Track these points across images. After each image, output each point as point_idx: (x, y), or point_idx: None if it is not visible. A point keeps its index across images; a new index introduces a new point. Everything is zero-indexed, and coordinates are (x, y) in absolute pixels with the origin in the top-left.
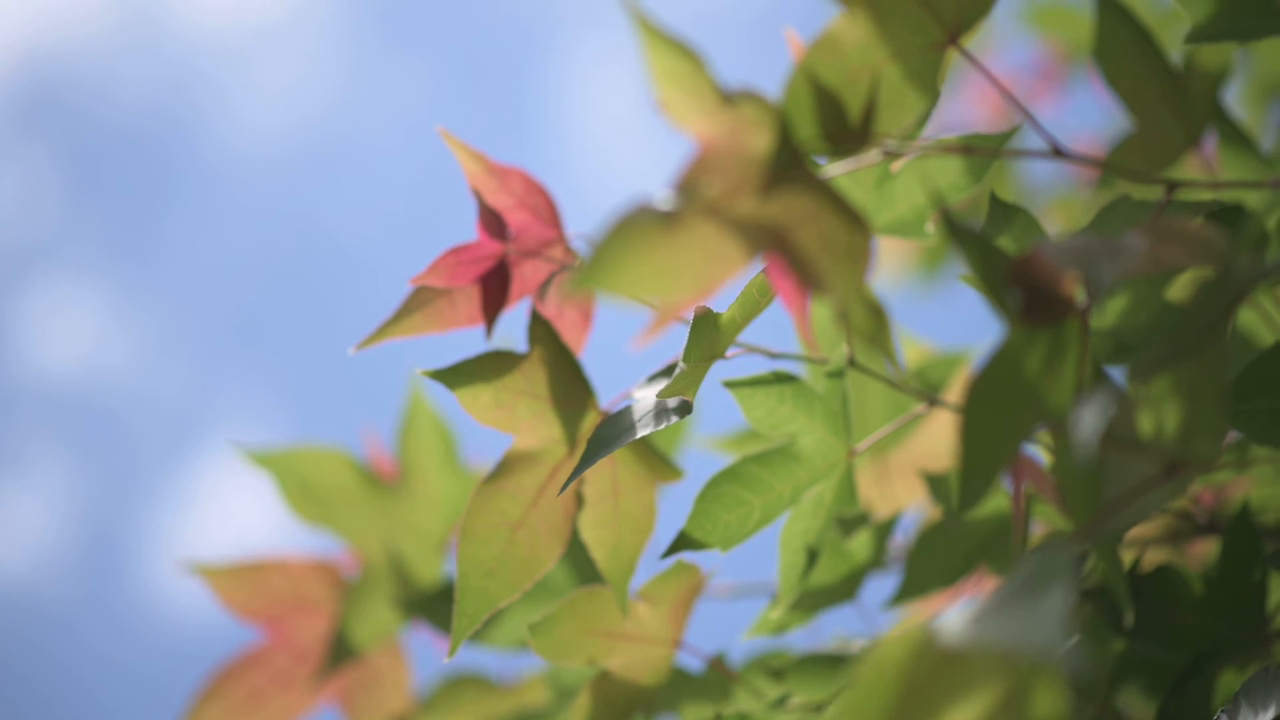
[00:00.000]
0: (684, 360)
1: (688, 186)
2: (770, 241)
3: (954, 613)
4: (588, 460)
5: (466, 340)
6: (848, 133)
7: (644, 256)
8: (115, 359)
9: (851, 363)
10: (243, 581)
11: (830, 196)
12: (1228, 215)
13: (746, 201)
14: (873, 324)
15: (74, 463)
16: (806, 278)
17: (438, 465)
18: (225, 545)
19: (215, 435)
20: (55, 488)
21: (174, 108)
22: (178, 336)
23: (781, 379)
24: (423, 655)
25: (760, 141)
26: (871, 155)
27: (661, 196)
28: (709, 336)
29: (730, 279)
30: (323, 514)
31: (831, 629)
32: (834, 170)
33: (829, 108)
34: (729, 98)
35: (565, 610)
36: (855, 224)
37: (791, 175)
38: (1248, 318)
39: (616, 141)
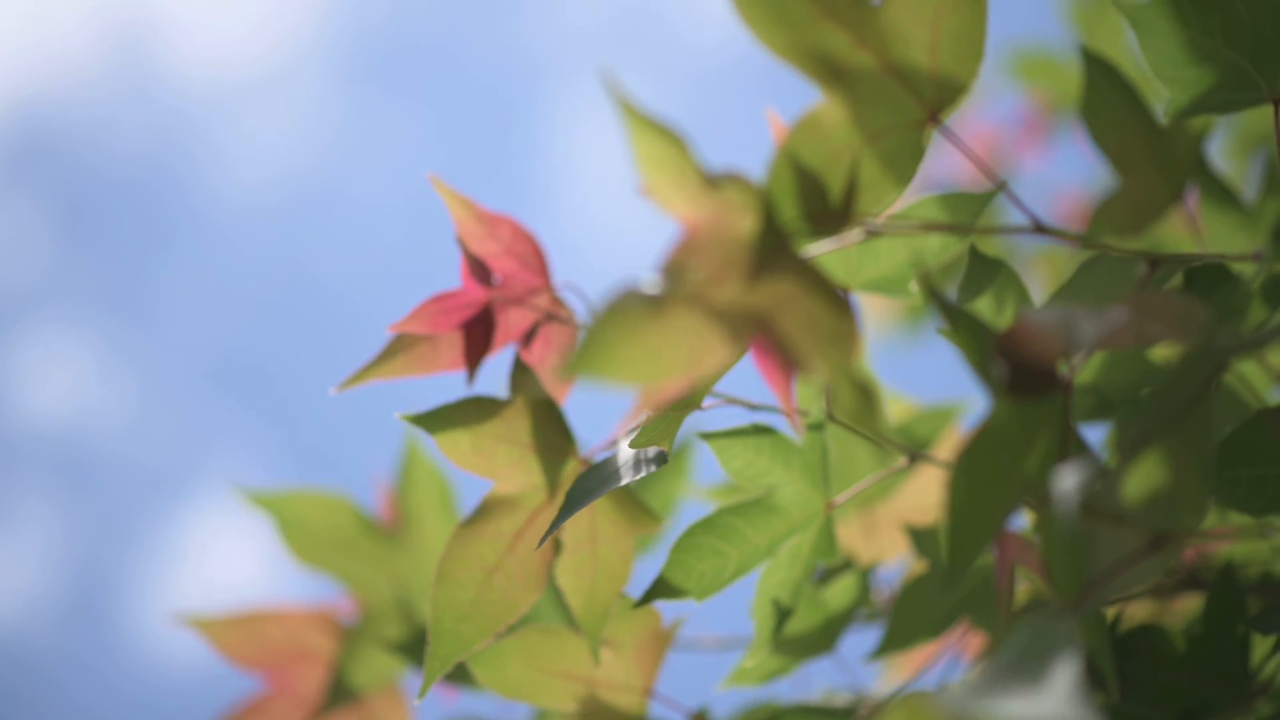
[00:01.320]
0: (656, 420)
1: (674, 270)
2: (755, 325)
3: (957, 683)
4: (567, 511)
5: (457, 380)
6: (830, 213)
7: (632, 342)
8: (105, 407)
9: (830, 418)
10: (241, 632)
11: (815, 279)
12: (1209, 274)
13: (732, 285)
14: (861, 405)
15: (63, 512)
16: (791, 359)
17: (435, 514)
18: (215, 593)
19: (205, 483)
20: (44, 537)
21: (165, 157)
22: (168, 385)
23: (759, 431)
24: (425, 700)
25: (745, 224)
26: (854, 234)
27: (648, 281)
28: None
29: (714, 364)
30: (322, 557)
31: (818, 681)
32: (816, 250)
33: (811, 189)
34: (713, 181)
35: (514, 646)
36: (840, 307)
37: (776, 258)
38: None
39: (608, 190)
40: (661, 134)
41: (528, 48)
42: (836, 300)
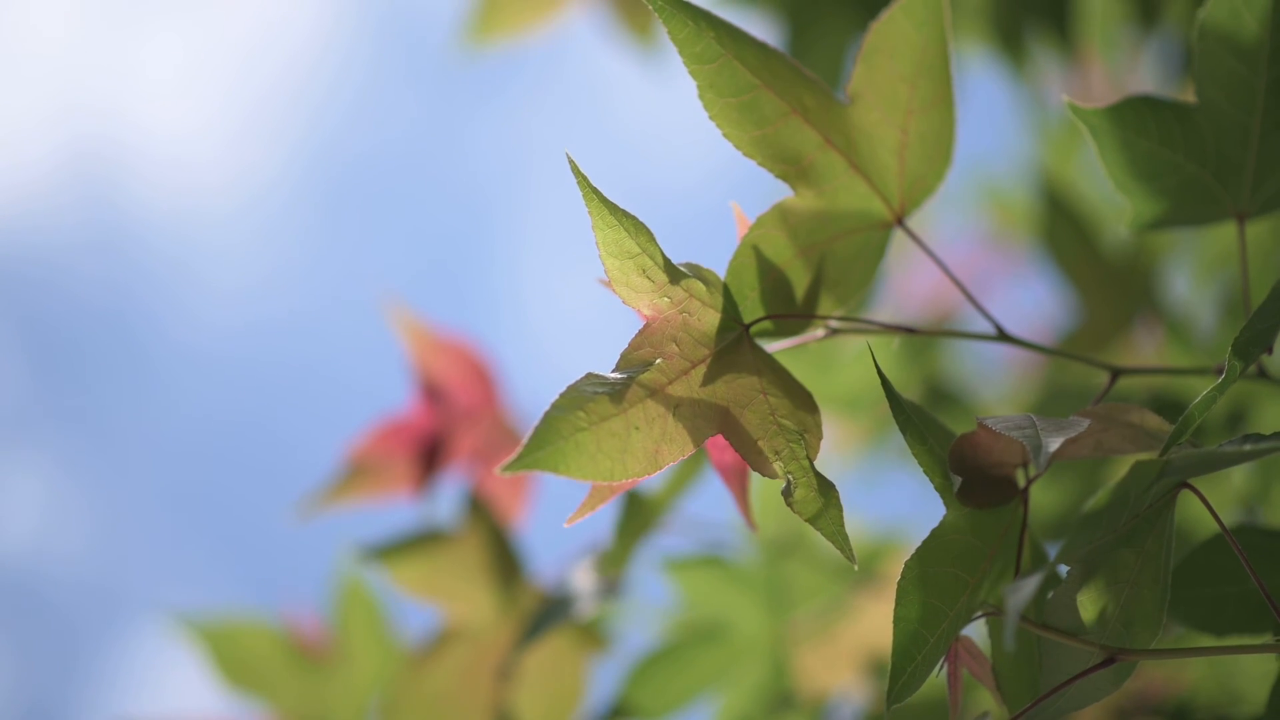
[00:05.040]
0: (613, 546)
1: (633, 363)
2: (717, 419)
3: None
4: (522, 646)
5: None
6: (792, 310)
7: (584, 437)
8: (56, 540)
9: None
10: None
11: (778, 373)
12: (1169, 407)
13: (695, 378)
14: (819, 507)
15: (8, 642)
16: (751, 456)
17: (368, 640)
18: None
19: (153, 612)
20: None
21: (125, 289)
22: (120, 518)
23: (719, 559)
24: None
25: (707, 319)
26: (816, 333)
27: (606, 373)
28: (637, 520)
29: (677, 459)
30: (253, 685)
31: None
32: (778, 347)
33: (774, 285)
34: (677, 274)
35: None
36: (804, 401)
37: (739, 352)
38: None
39: (574, 321)
40: (627, 223)
41: (499, 185)
42: (800, 396)
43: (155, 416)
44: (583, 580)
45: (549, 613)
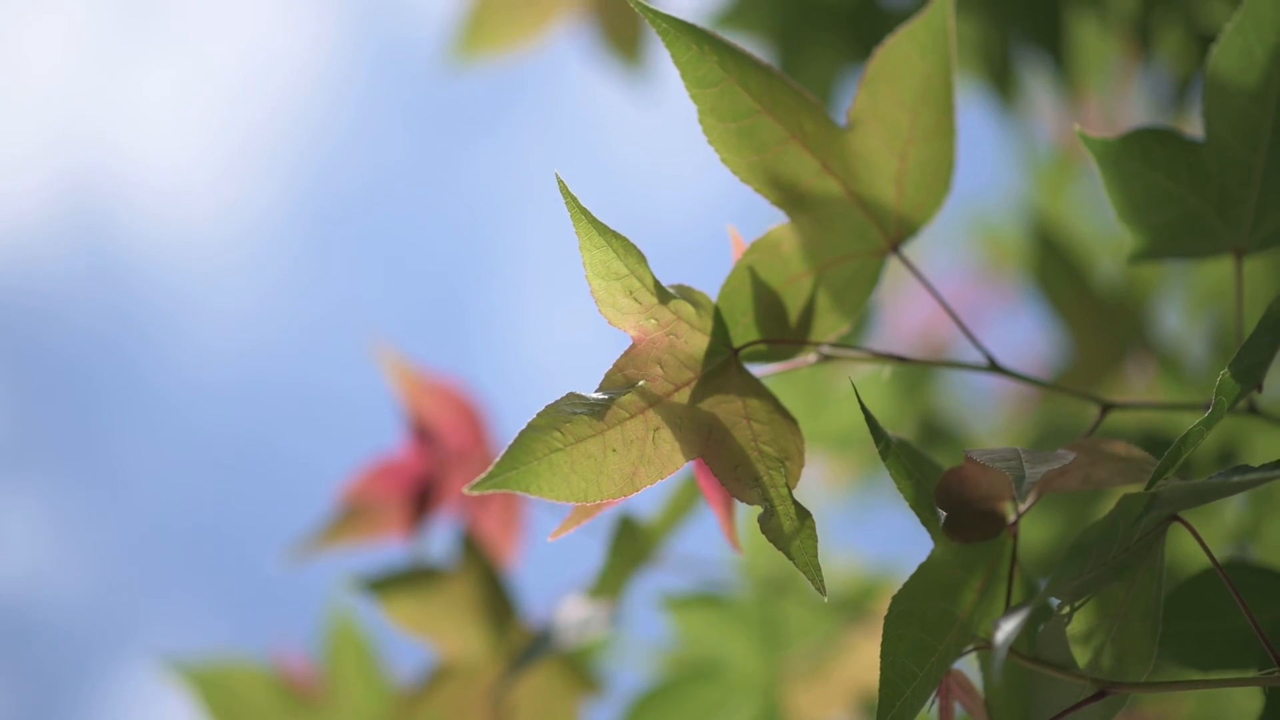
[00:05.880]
0: (603, 575)
1: (616, 384)
2: (698, 443)
3: None
4: (513, 674)
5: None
6: (785, 335)
7: (558, 458)
8: (48, 575)
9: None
10: None
11: (764, 399)
12: (1160, 444)
13: (678, 401)
14: (794, 535)
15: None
16: (730, 482)
17: (359, 679)
18: None
19: (145, 653)
20: None
21: (116, 322)
22: (112, 553)
23: (716, 598)
24: None
25: (694, 342)
26: (808, 358)
27: (589, 392)
28: (629, 550)
29: (655, 482)
30: None
31: None
32: (768, 372)
33: (767, 310)
34: (665, 296)
35: None
36: (788, 428)
37: (726, 376)
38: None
39: (566, 350)
40: (616, 243)
41: (491, 216)
42: (784, 422)
43: (146, 449)
44: (571, 613)
45: (537, 644)
